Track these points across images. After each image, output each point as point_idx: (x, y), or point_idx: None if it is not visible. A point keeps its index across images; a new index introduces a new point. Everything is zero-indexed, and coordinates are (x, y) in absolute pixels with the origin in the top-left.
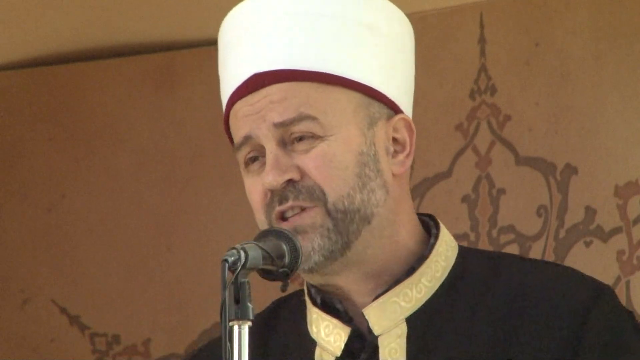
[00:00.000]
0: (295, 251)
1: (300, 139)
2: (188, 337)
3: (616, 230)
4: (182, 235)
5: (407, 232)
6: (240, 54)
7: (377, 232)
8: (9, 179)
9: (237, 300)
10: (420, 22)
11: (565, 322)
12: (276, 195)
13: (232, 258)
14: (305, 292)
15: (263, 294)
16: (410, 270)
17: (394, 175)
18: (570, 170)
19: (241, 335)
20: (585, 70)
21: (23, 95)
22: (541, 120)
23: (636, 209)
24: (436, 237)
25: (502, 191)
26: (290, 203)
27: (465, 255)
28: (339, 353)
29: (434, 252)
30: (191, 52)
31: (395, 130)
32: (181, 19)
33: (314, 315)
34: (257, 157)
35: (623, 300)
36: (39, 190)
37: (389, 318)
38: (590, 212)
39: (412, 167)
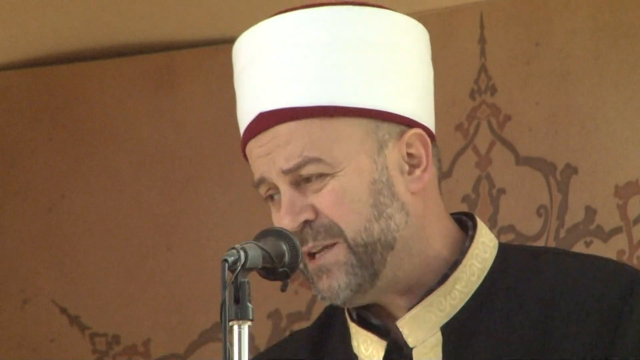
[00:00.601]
0: (295, 250)
1: (309, 179)
2: (188, 337)
3: (616, 230)
4: (182, 235)
5: (439, 242)
6: (247, 89)
7: (404, 254)
8: (9, 179)
9: (237, 300)
10: (420, 22)
11: (601, 316)
12: (296, 236)
13: (232, 258)
14: (346, 311)
15: (263, 294)
16: (442, 278)
17: (412, 193)
18: (570, 170)
19: (241, 335)
20: (585, 70)
21: (23, 95)
22: (541, 120)
23: (636, 209)
24: (471, 239)
25: (502, 191)
26: (310, 244)
27: (505, 254)
28: None
29: (468, 255)
30: (191, 52)
31: (409, 145)
32: (181, 19)
33: (353, 330)
34: (274, 195)
35: None
36: (39, 190)
37: (423, 329)
38: (590, 212)
39: (441, 169)
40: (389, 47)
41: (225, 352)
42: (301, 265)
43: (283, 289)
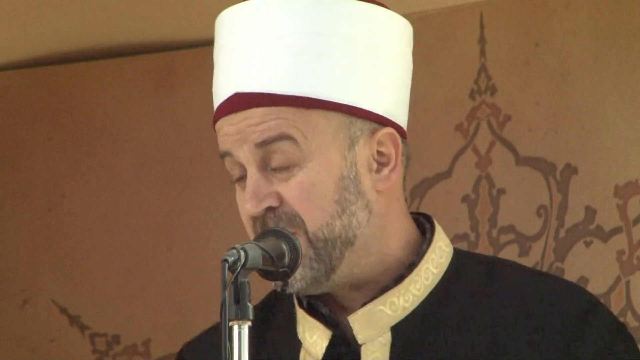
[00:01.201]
0: (295, 251)
1: (279, 169)
2: (188, 337)
3: (616, 230)
4: (182, 235)
5: (397, 242)
6: (226, 66)
7: (361, 252)
8: (9, 179)
9: (237, 300)
10: (420, 22)
11: (555, 336)
12: (258, 220)
13: (232, 258)
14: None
15: (263, 293)
16: (399, 278)
17: (378, 192)
18: (570, 170)
19: (241, 335)
20: (585, 70)
21: (23, 95)
22: (541, 120)
23: (636, 209)
24: (429, 242)
25: (502, 191)
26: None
27: (460, 261)
28: (320, 356)
29: (425, 259)
30: (191, 52)
31: (379, 143)
32: (181, 19)
33: (300, 316)
34: (242, 177)
35: (623, 300)
36: (39, 190)
37: (373, 326)
38: (590, 212)
39: (408, 168)
40: (368, 42)
41: (225, 352)
42: None
43: (283, 289)
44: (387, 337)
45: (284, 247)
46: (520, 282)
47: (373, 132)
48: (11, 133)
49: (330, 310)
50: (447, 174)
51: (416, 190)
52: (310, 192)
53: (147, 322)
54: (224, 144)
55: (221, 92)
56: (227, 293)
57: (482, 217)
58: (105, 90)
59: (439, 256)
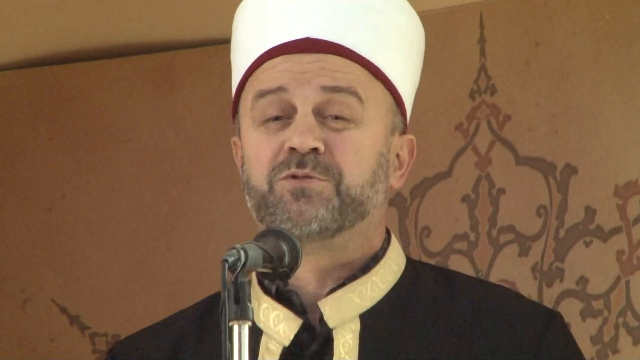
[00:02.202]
0: (295, 251)
1: (336, 117)
2: None
3: (616, 230)
4: (182, 235)
5: (379, 240)
6: (292, 13)
7: (364, 231)
8: (9, 179)
9: (237, 300)
10: (420, 22)
11: (523, 344)
12: (295, 157)
13: (232, 258)
14: (256, 281)
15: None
16: (365, 268)
17: (390, 186)
18: (570, 170)
19: (241, 335)
20: (585, 70)
21: (23, 95)
22: (541, 120)
23: (636, 209)
24: (388, 241)
25: (502, 191)
26: (307, 171)
27: (415, 266)
28: (287, 343)
29: (387, 254)
30: (191, 52)
31: (400, 147)
32: (181, 19)
33: (265, 305)
34: (279, 117)
35: (623, 300)
36: (39, 190)
37: (343, 312)
38: (590, 212)
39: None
40: (416, 41)
41: (225, 352)
42: (262, 186)
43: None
44: (356, 324)
45: (284, 247)
46: (479, 292)
47: (401, 133)
48: (11, 133)
49: (299, 298)
50: (447, 174)
51: (416, 190)
52: (358, 150)
53: (147, 322)
54: (278, 78)
55: (274, 36)
56: (227, 293)
57: (482, 217)
58: (105, 90)
59: (397, 255)
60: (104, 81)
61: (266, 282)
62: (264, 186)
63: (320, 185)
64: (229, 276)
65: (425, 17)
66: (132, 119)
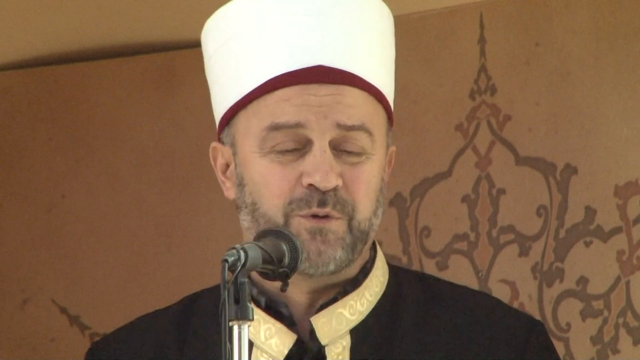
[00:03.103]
0: (295, 251)
1: (349, 152)
2: None
3: (616, 230)
4: (182, 235)
5: (367, 253)
6: (298, 39)
7: (363, 253)
8: (9, 179)
9: (236, 300)
10: (420, 22)
11: (508, 352)
12: (316, 195)
13: (232, 258)
14: None
15: None
16: (355, 282)
17: None
18: (570, 170)
19: (241, 336)
20: (585, 70)
21: (23, 95)
22: (541, 120)
23: (636, 209)
24: (374, 251)
25: (502, 191)
26: (328, 210)
27: (397, 274)
28: (281, 358)
29: (375, 265)
30: (191, 52)
31: (388, 161)
32: (181, 19)
33: (255, 317)
34: (291, 149)
35: (623, 300)
36: (39, 190)
37: (335, 328)
38: (590, 212)
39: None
40: (389, 35)
41: (225, 352)
42: (276, 217)
43: (283, 290)
44: (347, 340)
45: (284, 247)
46: (462, 299)
47: (388, 147)
48: (11, 133)
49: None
50: (447, 174)
51: (416, 190)
52: (370, 183)
53: None
54: (296, 114)
55: (291, 60)
56: (227, 293)
57: (482, 217)
58: (105, 90)
59: (382, 264)
60: (104, 81)
61: (254, 293)
62: (278, 218)
63: (336, 225)
64: (229, 276)
65: (425, 17)
66: (132, 119)
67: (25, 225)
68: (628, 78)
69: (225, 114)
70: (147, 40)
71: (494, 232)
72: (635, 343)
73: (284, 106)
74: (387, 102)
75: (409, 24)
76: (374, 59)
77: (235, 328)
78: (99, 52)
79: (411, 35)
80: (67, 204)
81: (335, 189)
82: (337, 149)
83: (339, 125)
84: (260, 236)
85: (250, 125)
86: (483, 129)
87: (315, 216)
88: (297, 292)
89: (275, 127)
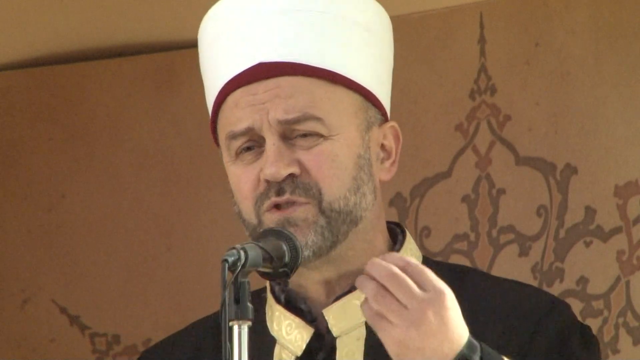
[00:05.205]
0: (295, 251)
1: (304, 135)
2: None
3: (616, 230)
4: (182, 235)
5: (382, 238)
6: (241, 42)
7: (361, 235)
8: (9, 179)
9: (237, 300)
10: (420, 22)
11: (519, 330)
12: (273, 187)
13: (232, 258)
14: (268, 289)
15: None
16: None
17: (380, 181)
18: (570, 170)
19: (241, 335)
20: (585, 70)
21: (23, 95)
22: (541, 120)
23: (636, 209)
24: (401, 244)
25: (502, 191)
26: (287, 196)
27: (429, 266)
28: (299, 353)
29: (401, 254)
30: (191, 52)
31: (384, 137)
32: (181, 19)
33: (277, 313)
34: (251, 147)
35: (623, 300)
36: (39, 190)
37: (348, 320)
38: (590, 212)
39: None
40: (380, 36)
41: (225, 352)
42: (252, 220)
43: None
44: (361, 332)
45: (284, 247)
46: (487, 289)
47: (381, 124)
48: (11, 133)
49: (307, 306)
50: (447, 174)
51: (416, 190)
52: (333, 162)
53: (147, 322)
54: (244, 118)
55: (233, 67)
56: (227, 293)
57: (482, 217)
58: (105, 90)
59: (410, 255)
60: (104, 81)
61: (276, 290)
62: (253, 220)
63: (303, 210)
64: (229, 276)
65: (425, 17)
66: (132, 119)
67: (25, 225)
68: (628, 78)
69: (211, 126)
70: (147, 40)
71: (494, 232)
72: (635, 343)
73: (235, 112)
74: (352, 82)
75: (409, 24)
76: (326, 42)
77: (236, 328)
78: (99, 52)
79: (411, 35)
80: (67, 204)
81: (292, 176)
82: (291, 137)
83: (280, 122)
84: (260, 236)
85: (220, 137)
86: (483, 129)
87: (279, 207)
88: (311, 285)
89: (233, 136)
